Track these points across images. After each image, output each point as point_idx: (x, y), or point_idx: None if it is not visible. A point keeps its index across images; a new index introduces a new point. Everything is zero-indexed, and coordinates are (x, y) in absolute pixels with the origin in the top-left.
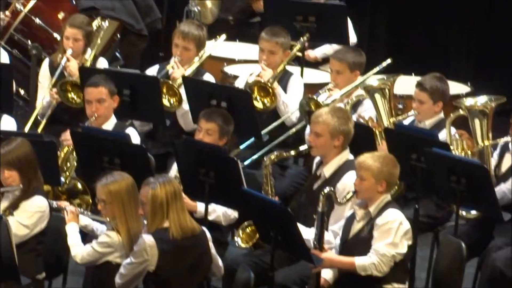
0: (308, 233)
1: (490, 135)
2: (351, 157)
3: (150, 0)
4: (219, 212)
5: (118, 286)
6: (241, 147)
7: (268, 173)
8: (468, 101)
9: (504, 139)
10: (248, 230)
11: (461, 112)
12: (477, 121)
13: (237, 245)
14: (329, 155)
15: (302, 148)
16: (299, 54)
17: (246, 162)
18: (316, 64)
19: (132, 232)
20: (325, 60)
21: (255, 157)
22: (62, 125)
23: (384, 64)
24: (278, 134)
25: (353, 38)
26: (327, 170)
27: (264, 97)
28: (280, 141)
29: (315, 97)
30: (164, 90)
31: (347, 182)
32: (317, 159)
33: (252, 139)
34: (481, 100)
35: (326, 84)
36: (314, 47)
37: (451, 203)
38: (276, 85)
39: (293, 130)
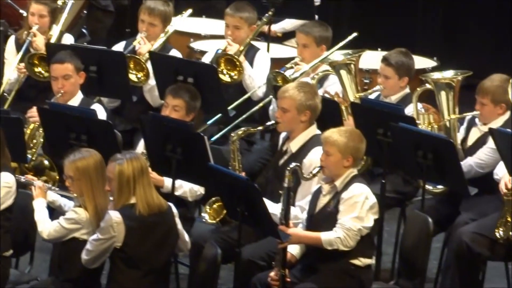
0: (276, 209)
1: (457, 109)
2: (318, 132)
3: None
4: (185, 187)
5: (84, 262)
6: (208, 123)
7: (236, 149)
8: (435, 75)
9: (470, 113)
10: (215, 206)
11: (428, 86)
12: (443, 95)
13: (204, 220)
14: (296, 130)
15: (269, 123)
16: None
17: (214, 138)
18: (281, 39)
19: (99, 209)
20: (286, 35)
21: (222, 132)
22: (28, 102)
23: (350, 37)
24: (245, 109)
25: None
26: (294, 145)
27: (231, 70)
28: (246, 116)
29: (282, 71)
30: (131, 65)
31: (314, 157)
32: (283, 134)
33: (218, 115)
34: (448, 73)
35: (292, 58)
36: (279, 22)
37: (418, 178)
38: (242, 59)
39: (260, 104)
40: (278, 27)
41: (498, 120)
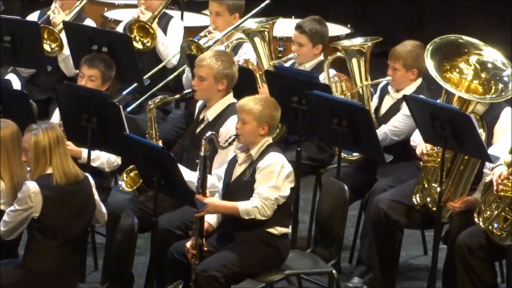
0: (193, 176)
1: (369, 76)
2: (234, 101)
3: None
4: (103, 159)
5: (2, 234)
6: (124, 93)
7: (153, 117)
8: (345, 42)
9: (382, 79)
10: (132, 174)
11: (339, 54)
12: (354, 62)
13: (121, 188)
14: (213, 99)
15: (186, 91)
16: None
17: (130, 108)
18: (197, 7)
19: (15, 179)
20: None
21: (138, 102)
22: None
23: (263, 5)
24: (159, 78)
25: None
26: (211, 114)
27: (144, 37)
28: (162, 85)
29: (196, 40)
30: (45, 36)
31: (231, 126)
32: (200, 103)
33: (134, 85)
34: (358, 40)
35: (206, 27)
36: None
37: (333, 146)
38: (155, 26)
39: (175, 73)
40: None
41: (411, 87)
